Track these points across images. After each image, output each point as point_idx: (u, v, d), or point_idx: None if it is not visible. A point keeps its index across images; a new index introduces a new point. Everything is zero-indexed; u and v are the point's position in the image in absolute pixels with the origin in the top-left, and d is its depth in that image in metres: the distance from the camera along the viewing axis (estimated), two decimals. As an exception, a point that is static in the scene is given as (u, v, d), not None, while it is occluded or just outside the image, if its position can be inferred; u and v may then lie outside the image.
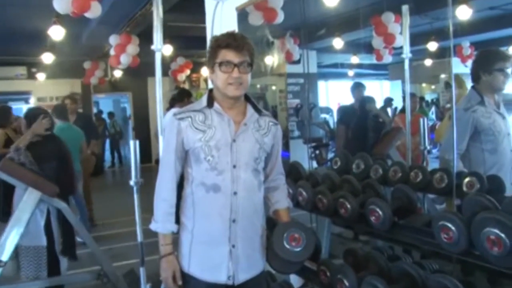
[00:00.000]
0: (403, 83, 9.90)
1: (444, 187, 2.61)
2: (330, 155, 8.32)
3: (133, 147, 2.90)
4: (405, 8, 3.79)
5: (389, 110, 7.00)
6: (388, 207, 2.36)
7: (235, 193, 1.93)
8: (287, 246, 1.93)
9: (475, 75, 2.84)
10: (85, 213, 5.61)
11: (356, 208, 2.53)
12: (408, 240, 2.36)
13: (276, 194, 2.17)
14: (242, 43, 1.90)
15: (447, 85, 4.09)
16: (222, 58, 1.90)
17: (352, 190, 2.76)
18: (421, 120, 3.62)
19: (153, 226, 2.02)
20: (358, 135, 5.20)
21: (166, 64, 3.07)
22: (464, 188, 2.45)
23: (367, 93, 5.81)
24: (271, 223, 2.38)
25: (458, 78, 3.80)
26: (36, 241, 3.43)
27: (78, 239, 4.80)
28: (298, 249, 1.93)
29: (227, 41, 1.90)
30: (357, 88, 5.68)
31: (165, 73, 3.23)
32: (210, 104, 1.98)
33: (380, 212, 2.34)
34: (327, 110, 11.05)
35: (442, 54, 7.97)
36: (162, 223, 2.00)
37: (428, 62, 8.97)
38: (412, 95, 5.41)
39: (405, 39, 3.76)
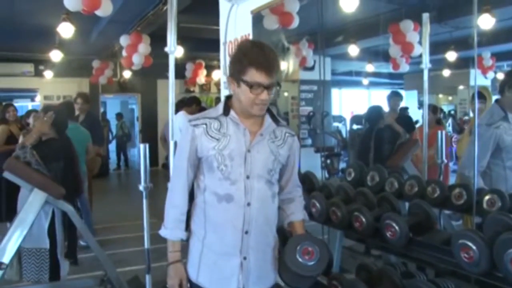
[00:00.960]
0: (419, 93, 9.89)
1: (463, 203, 2.58)
2: (342, 165, 8.29)
3: (142, 151, 2.90)
4: (425, 16, 3.77)
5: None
6: (405, 223, 2.33)
7: (248, 204, 1.92)
8: (300, 260, 1.89)
9: (501, 89, 2.81)
10: (89, 216, 5.61)
11: (371, 222, 2.51)
12: (425, 257, 2.32)
13: (291, 206, 2.15)
14: (274, 64, 1.84)
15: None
16: (251, 78, 1.82)
17: (366, 203, 2.73)
18: (439, 132, 3.59)
19: (162, 232, 2.02)
20: (373, 146, 5.17)
21: (176, 66, 3.06)
22: (485, 206, 2.42)
23: (379, 102, 5.79)
24: (282, 235, 2.36)
25: (486, 91, 3.76)
26: (39, 244, 3.43)
27: (81, 242, 4.82)
28: (311, 263, 1.90)
29: (259, 60, 1.82)
30: (393, 97, 5.66)
31: (175, 75, 3.23)
32: (226, 112, 1.96)
33: (397, 227, 2.32)
34: (340, 119, 11.02)
35: (460, 65, 7.94)
36: (171, 229, 2.00)
37: (445, 72, 8.93)
38: (432, 107, 5.39)
39: (424, 49, 3.74)
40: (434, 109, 5.45)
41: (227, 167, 1.90)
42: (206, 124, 1.94)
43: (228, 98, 2.02)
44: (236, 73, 1.87)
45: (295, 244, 1.92)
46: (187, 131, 1.96)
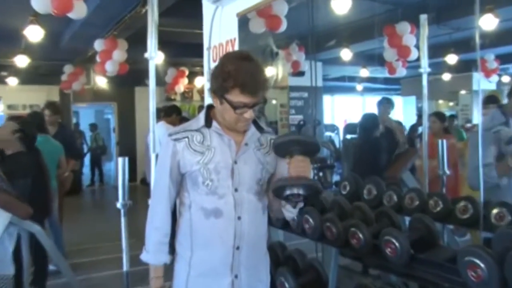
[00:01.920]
0: (417, 99, 9.96)
1: (468, 217, 2.59)
2: (335, 178, 8.29)
3: (121, 165, 2.87)
4: (423, 17, 3.80)
5: (420, 129, 6.95)
6: (406, 239, 2.33)
7: (239, 218, 1.91)
8: None
9: (509, 93, 2.86)
10: (60, 237, 5.52)
11: (369, 239, 2.50)
12: (428, 276, 2.31)
13: None
14: (260, 84, 1.83)
15: (489, 100, 4.06)
16: (236, 98, 1.81)
17: (364, 218, 2.73)
18: (439, 142, 3.61)
19: (144, 257, 1.99)
20: (368, 156, 5.18)
21: (156, 72, 3.04)
22: (493, 220, 2.43)
23: (373, 110, 5.81)
24: (274, 253, 2.35)
25: (499, 94, 3.81)
26: (2, 270, 3.34)
27: (51, 267, 4.73)
28: None
29: (245, 80, 1.78)
30: (384, 104, 5.65)
31: (156, 82, 3.23)
32: (208, 124, 1.95)
33: (397, 244, 2.31)
34: (332, 128, 11.06)
35: (461, 68, 8.02)
36: (154, 253, 1.98)
37: (445, 76, 8.99)
38: (438, 114, 5.41)
39: (423, 52, 3.76)
40: (441, 116, 5.42)
41: (213, 182, 1.89)
42: (188, 138, 1.93)
43: (210, 107, 2.02)
44: (219, 91, 1.84)
45: None
46: (167, 146, 1.95)
